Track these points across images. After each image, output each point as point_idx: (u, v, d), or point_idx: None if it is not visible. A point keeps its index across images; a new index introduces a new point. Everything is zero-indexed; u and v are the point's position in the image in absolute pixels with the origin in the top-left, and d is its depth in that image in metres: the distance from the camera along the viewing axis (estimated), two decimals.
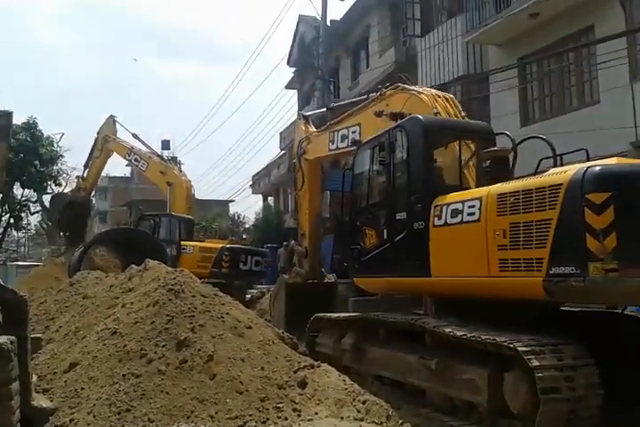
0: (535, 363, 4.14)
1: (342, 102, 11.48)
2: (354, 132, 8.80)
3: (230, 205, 40.85)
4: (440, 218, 5.78)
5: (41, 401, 4.34)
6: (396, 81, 8.41)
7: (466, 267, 5.39)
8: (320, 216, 10.86)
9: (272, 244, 23.15)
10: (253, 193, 36.76)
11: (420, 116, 6.67)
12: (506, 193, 5.02)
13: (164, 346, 4.73)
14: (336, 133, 9.32)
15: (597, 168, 4.35)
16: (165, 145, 45.35)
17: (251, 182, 35.07)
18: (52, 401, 4.42)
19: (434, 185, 6.25)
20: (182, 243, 15.15)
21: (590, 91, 13.00)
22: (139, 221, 16.05)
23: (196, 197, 41.80)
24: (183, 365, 4.57)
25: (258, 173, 35.10)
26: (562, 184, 4.43)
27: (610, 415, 4.34)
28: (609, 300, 4.75)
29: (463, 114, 7.36)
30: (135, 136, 18.10)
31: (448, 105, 7.35)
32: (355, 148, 7.93)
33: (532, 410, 4.18)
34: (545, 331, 4.68)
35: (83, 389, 4.47)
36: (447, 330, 5.09)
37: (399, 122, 6.88)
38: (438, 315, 6.01)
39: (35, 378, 4.62)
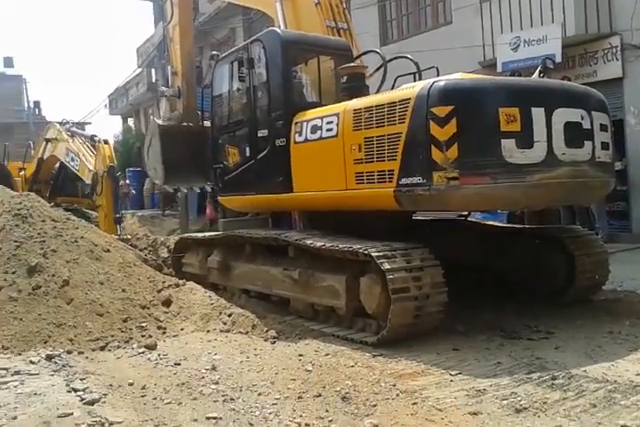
0: (387, 266, 4.46)
1: None
2: None
3: (87, 127, 38.02)
4: (301, 134, 5.82)
5: None
6: None
7: (325, 182, 5.54)
8: (192, 54, 9.79)
9: (134, 168, 22.18)
10: (111, 114, 34.44)
11: (278, 31, 6.50)
12: (361, 108, 5.13)
13: (14, 273, 4.51)
14: None
15: (442, 83, 4.56)
16: (8, 62, 40.62)
17: (107, 102, 32.70)
18: None
19: (294, 102, 6.22)
20: None
21: (444, 11, 13.34)
22: None
23: (48, 118, 38.29)
24: (37, 291, 4.40)
25: (114, 93, 32.73)
26: (410, 99, 4.61)
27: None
28: (451, 206, 5.13)
29: (344, 6, 7.17)
30: None
31: None
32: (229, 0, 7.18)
33: (385, 309, 4.55)
34: (398, 238, 5.03)
35: None
36: (308, 242, 5.29)
37: (257, 35, 6.66)
38: (304, 229, 6.21)
39: None
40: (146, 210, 19.30)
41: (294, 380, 3.60)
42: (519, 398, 3.25)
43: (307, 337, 4.87)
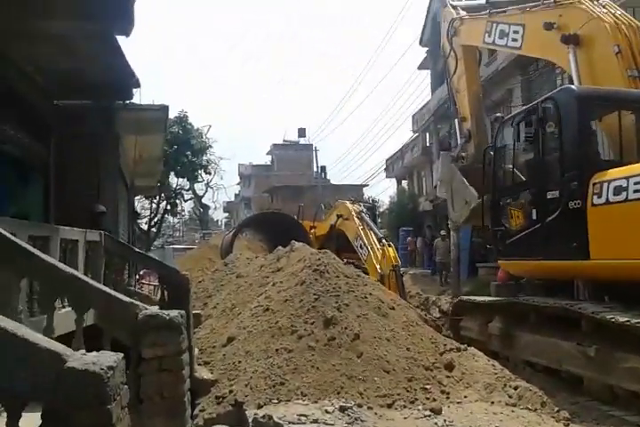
0: None
1: None
2: (516, 32, 7.81)
3: (364, 189, 40.98)
4: (600, 196, 5.35)
5: (203, 373, 4.64)
6: None
7: (633, 249, 4.95)
8: (479, 97, 9.85)
9: (407, 227, 22.99)
10: (387, 177, 36.56)
11: (573, 87, 6.21)
12: None
13: (312, 323, 4.89)
14: (495, 25, 8.25)
15: None
16: (302, 133, 46.66)
17: (384, 166, 34.91)
18: (212, 373, 4.73)
19: (591, 161, 5.79)
20: None
21: None
22: None
23: (331, 182, 42.34)
24: (331, 342, 4.69)
25: (391, 157, 34.86)
26: None
27: None
28: None
29: None
30: None
31: (633, 36, 6.35)
32: (514, 51, 7.44)
33: None
34: None
35: (240, 362, 4.73)
36: (608, 316, 4.72)
37: (549, 94, 6.43)
38: (593, 300, 5.62)
39: (197, 351, 4.98)
40: (417, 268, 19.69)
41: None
42: None
43: (605, 423, 4.30)
